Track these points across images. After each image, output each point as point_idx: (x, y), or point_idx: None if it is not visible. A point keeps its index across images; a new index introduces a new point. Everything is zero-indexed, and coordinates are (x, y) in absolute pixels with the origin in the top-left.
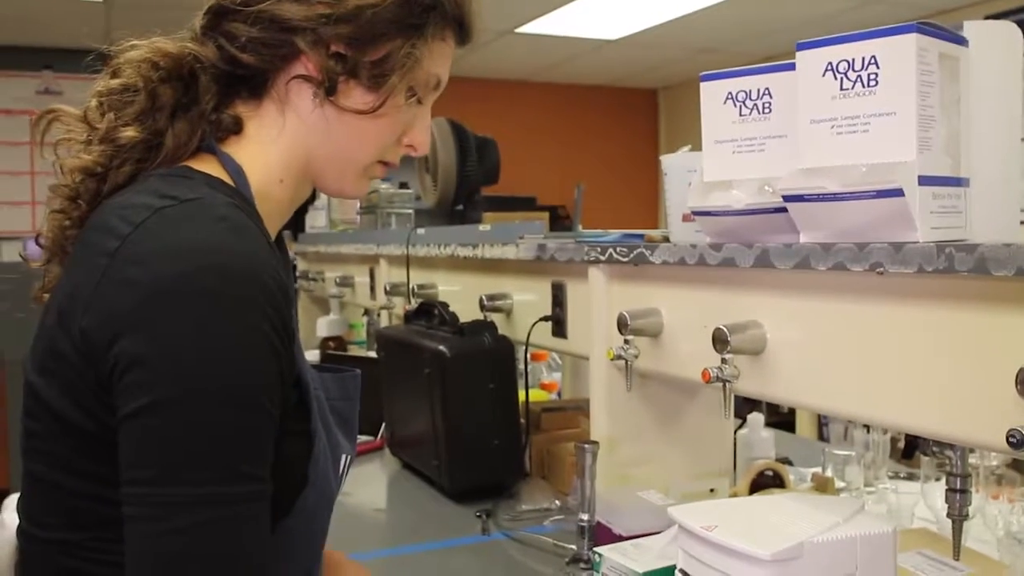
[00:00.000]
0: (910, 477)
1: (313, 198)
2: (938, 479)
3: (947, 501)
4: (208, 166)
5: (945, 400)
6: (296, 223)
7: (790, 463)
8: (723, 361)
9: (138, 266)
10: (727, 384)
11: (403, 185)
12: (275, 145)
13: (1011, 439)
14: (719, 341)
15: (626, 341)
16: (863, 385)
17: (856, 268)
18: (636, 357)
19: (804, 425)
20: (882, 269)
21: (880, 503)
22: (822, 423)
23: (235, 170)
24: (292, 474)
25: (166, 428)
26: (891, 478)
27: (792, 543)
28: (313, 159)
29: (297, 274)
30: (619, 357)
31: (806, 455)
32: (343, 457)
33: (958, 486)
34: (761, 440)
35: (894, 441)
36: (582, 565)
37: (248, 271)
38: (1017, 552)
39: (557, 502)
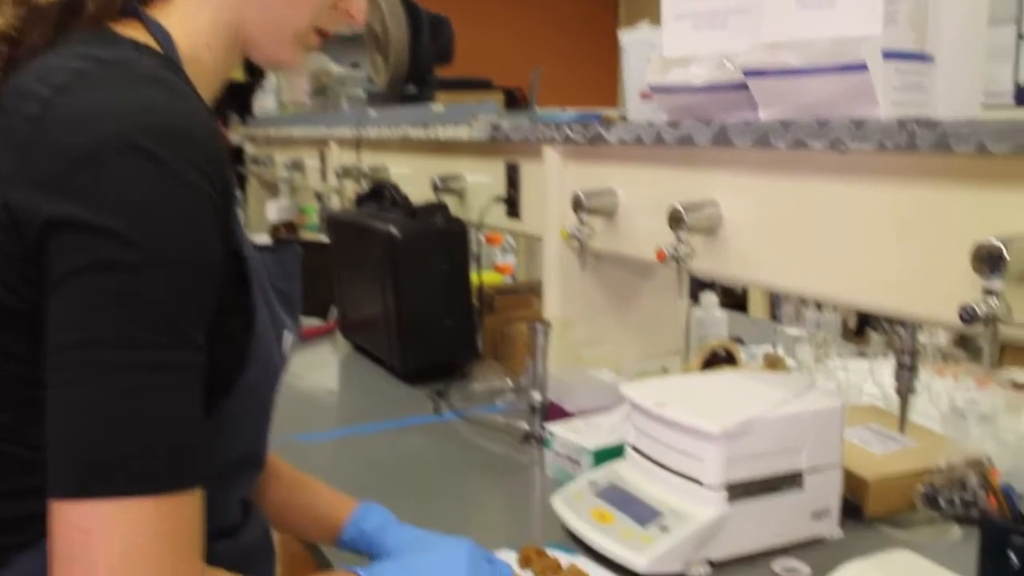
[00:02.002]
0: (860, 355)
1: (261, 76)
2: (886, 357)
3: (896, 377)
4: (133, 31)
5: (901, 277)
6: (244, 105)
7: (742, 343)
8: (678, 240)
9: (65, 131)
10: (682, 263)
11: (354, 66)
12: (203, 9)
13: (963, 315)
14: (674, 220)
15: (581, 221)
16: (819, 263)
17: (816, 145)
18: (590, 237)
19: (757, 306)
20: (842, 146)
21: (830, 381)
22: (774, 304)
23: (162, 36)
24: (233, 351)
25: (109, 288)
26: (841, 356)
27: (742, 419)
28: (244, 23)
29: (245, 158)
30: (573, 237)
31: (758, 335)
32: (286, 334)
33: (907, 363)
34: (714, 320)
35: (844, 321)
36: (533, 443)
37: (184, 130)
38: (960, 426)
39: (509, 382)
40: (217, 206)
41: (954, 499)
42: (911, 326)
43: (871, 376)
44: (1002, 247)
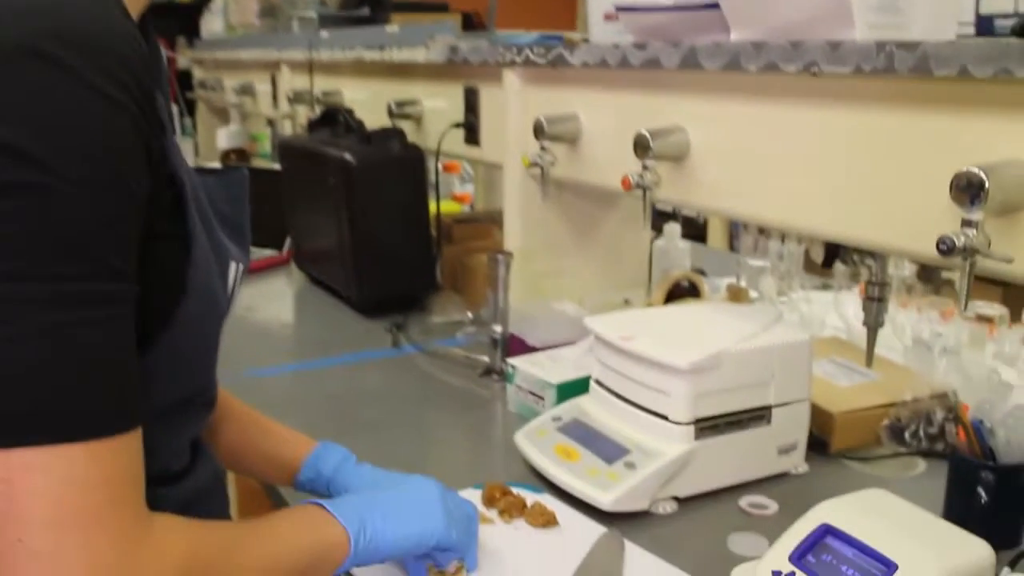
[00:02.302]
0: (823, 287)
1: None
2: (850, 289)
3: (864, 309)
4: None
5: (877, 208)
6: (190, 27)
7: (704, 274)
8: (644, 168)
9: None
10: (647, 191)
11: None
12: None
13: (941, 246)
14: (640, 146)
15: (542, 148)
16: (792, 192)
17: (789, 68)
18: (552, 164)
19: (716, 237)
20: (816, 69)
21: (792, 313)
22: (732, 235)
23: None
24: (169, 281)
25: (19, 215)
26: (804, 288)
27: (710, 352)
28: None
29: (192, 82)
30: (535, 164)
31: (719, 266)
32: (233, 265)
33: (876, 295)
34: (677, 250)
35: (806, 251)
36: (495, 377)
37: (97, 35)
38: (924, 359)
39: (469, 314)
40: (140, 121)
41: (919, 433)
42: (881, 258)
43: (835, 308)
44: (983, 176)
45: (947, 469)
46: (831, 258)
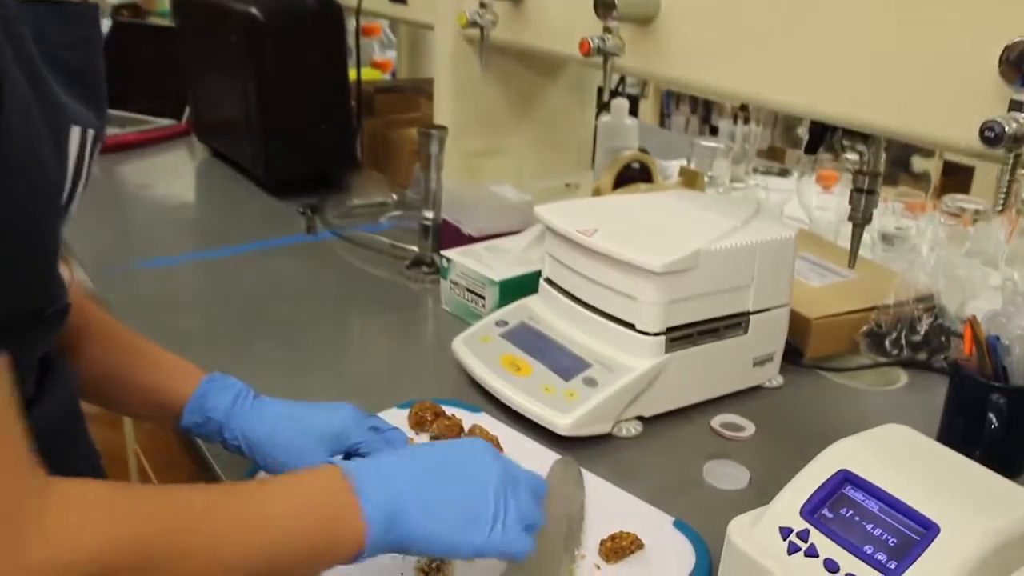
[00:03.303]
0: (782, 173)
1: None
2: (810, 175)
3: (851, 202)
4: None
5: (900, 85)
6: None
7: (647, 154)
8: (606, 30)
9: None
10: (609, 58)
11: None
12: None
13: (987, 133)
14: (603, 5)
15: (482, 5)
16: (788, 65)
17: None
18: (494, 24)
19: (646, 113)
20: None
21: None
22: (664, 113)
23: None
24: None
25: None
26: (760, 173)
27: (686, 252)
28: None
29: None
30: (473, 24)
31: (664, 146)
32: (76, 130)
33: (866, 186)
34: (625, 128)
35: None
36: (425, 269)
37: None
38: (898, 255)
39: (394, 196)
40: None
41: (901, 341)
42: (875, 143)
43: (797, 196)
44: None
45: (948, 387)
46: (816, 142)
